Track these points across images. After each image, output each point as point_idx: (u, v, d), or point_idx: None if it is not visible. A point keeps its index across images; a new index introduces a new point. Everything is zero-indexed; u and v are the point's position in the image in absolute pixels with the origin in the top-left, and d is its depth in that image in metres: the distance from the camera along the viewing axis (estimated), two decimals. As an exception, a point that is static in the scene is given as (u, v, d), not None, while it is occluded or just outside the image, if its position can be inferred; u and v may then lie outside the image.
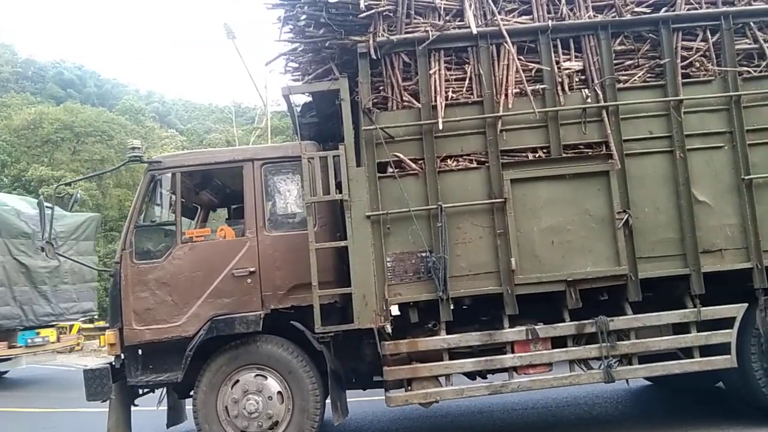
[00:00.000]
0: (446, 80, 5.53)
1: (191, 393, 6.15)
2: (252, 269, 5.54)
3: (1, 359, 11.92)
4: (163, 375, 5.56)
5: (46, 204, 5.67)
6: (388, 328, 5.31)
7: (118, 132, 48.17)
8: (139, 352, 5.59)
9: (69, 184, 5.17)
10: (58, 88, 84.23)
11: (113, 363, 5.65)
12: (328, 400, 5.64)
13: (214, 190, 6.86)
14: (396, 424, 6.86)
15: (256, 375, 5.46)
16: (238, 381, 5.46)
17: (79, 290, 13.19)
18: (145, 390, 5.99)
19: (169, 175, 5.74)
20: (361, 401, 6.93)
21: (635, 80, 5.62)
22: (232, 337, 5.50)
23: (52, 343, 12.91)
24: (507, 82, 5.49)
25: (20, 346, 11.97)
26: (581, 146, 5.53)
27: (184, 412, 6.88)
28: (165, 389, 6.25)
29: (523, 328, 5.38)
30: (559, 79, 5.54)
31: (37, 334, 12.27)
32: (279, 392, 5.41)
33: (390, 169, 5.43)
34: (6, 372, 13.13)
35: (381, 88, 5.57)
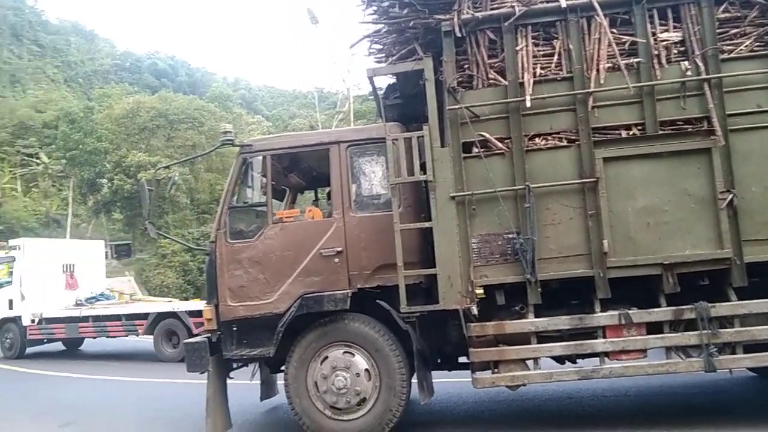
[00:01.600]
0: (534, 56, 5.37)
1: (282, 368, 6.43)
2: (339, 249, 5.65)
3: None
4: (256, 350, 5.80)
5: (147, 186, 6.01)
6: (474, 310, 5.28)
7: (208, 118, 50.40)
8: (234, 327, 5.84)
9: (168, 167, 5.51)
10: (152, 78, 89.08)
11: (210, 337, 5.94)
12: (414, 380, 5.70)
13: (302, 172, 7.05)
14: (481, 406, 6.84)
15: (345, 352, 5.59)
16: (327, 357, 5.61)
17: None
18: (240, 364, 6.27)
19: (260, 158, 5.93)
20: (444, 382, 6.94)
21: (741, 50, 5.23)
22: (321, 315, 5.66)
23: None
24: (598, 56, 5.27)
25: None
26: (680, 122, 5.24)
27: (276, 386, 7.19)
28: (258, 364, 6.55)
29: (616, 312, 5.19)
30: (656, 52, 5.25)
31: None
32: (366, 370, 5.52)
33: (475, 149, 5.36)
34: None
35: (466, 66, 5.49)
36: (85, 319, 13.92)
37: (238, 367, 6.36)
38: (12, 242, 16.77)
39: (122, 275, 38.73)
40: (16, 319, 14.54)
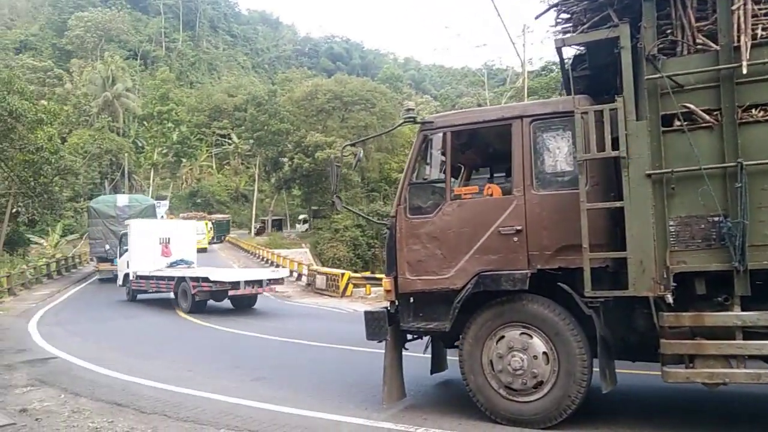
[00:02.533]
0: (753, 15, 4.70)
1: (455, 343, 6.46)
2: (519, 227, 5.50)
3: None
4: (432, 323, 5.89)
5: (335, 163, 6.33)
6: (669, 299, 4.83)
7: (379, 99, 52.09)
8: (411, 300, 5.99)
9: (354, 144, 5.76)
10: (329, 61, 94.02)
11: (388, 308, 6.14)
12: (595, 367, 5.41)
13: (479, 149, 6.95)
14: (668, 402, 6.31)
15: (522, 333, 5.46)
16: (503, 337, 5.53)
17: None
18: (415, 336, 6.42)
19: (440, 134, 5.95)
20: (627, 373, 6.51)
21: None
22: (497, 293, 5.57)
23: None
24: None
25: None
26: None
27: (446, 361, 7.26)
28: (430, 338, 6.66)
29: None
30: None
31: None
32: (544, 352, 5.35)
33: (677, 122, 4.86)
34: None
35: (669, 31, 4.98)
36: (151, 278, 18.79)
37: (413, 339, 6.52)
38: (127, 222, 23.39)
39: (300, 247, 41.82)
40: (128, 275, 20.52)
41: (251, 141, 56.62)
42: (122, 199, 29.01)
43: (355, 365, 8.88)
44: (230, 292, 16.15)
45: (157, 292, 19.02)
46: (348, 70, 77.81)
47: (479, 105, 39.51)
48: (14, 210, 25.06)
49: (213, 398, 6.97)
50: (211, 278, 16.10)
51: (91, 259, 31.22)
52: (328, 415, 6.11)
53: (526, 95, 21.42)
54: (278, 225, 54.03)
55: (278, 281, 17.64)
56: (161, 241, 20.96)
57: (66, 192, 30.30)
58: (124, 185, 54.46)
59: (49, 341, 11.87)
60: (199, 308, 16.46)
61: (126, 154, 56.75)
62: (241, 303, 17.10)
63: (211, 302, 17.19)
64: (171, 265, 19.93)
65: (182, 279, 17.24)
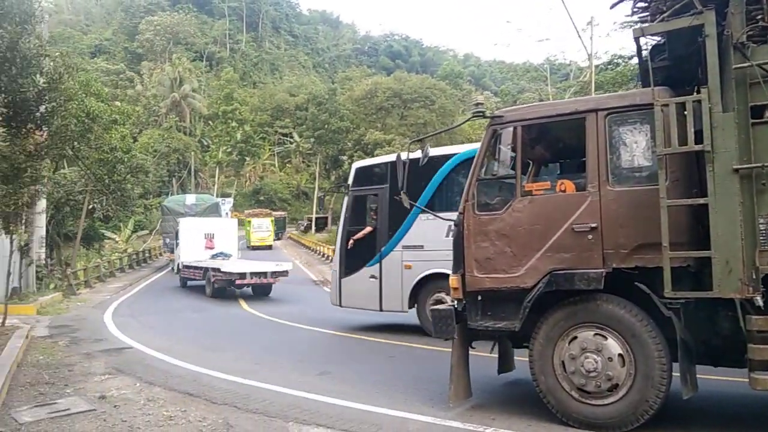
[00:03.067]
0: None
1: (523, 343, 6.32)
2: (593, 225, 5.31)
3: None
4: (501, 322, 5.77)
5: (402, 159, 6.28)
6: (759, 301, 4.56)
7: (439, 96, 51.87)
8: (479, 298, 5.89)
9: (421, 140, 5.72)
10: (388, 59, 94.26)
11: (456, 306, 6.06)
12: (675, 372, 5.17)
13: (548, 144, 6.77)
14: (753, 410, 5.98)
15: (596, 334, 5.28)
16: (576, 338, 5.36)
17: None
18: (482, 334, 6.32)
19: (511, 129, 5.82)
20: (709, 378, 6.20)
21: None
22: (570, 293, 5.41)
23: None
24: None
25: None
26: None
27: (513, 361, 7.11)
28: (497, 337, 6.54)
29: None
30: None
31: None
32: (620, 355, 5.15)
33: (768, 114, 4.57)
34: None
35: (759, 17, 4.69)
36: (191, 267, 21.76)
37: (480, 338, 6.42)
38: (179, 219, 27.77)
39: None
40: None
41: (312, 139, 57.49)
42: (190, 198, 33.97)
43: (420, 362, 8.85)
44: (237, 281, 18.58)
45: (195, 279, 21.65)
46: (407, 68, 77.72)
47: (541, 100, 38.69)
48: (90, 206, 26.31)
49: (280, 391, 7.08)
50: (222, 269, 19.00)
51: (163, 252, 35.59)
52: (395, 411, 6.09)
53: (593, 89, 20.78)
54: (323, 223, 54.04)
55: (282, 274, 19.43)
56: (206, 236, 24.79)
57: (137, 189, 31.57)
58: (190, 183, 56.41)
59: (123, 331, 12.38)
60: (219, 293, 19.18)
61: (192, 153, 58.72)
62: (256, 290, 19.68)
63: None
64: (213, 257, 22.63)
65: (206, 269, 20.25)
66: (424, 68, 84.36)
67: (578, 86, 31.85)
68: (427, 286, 10.61)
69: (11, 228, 13.47)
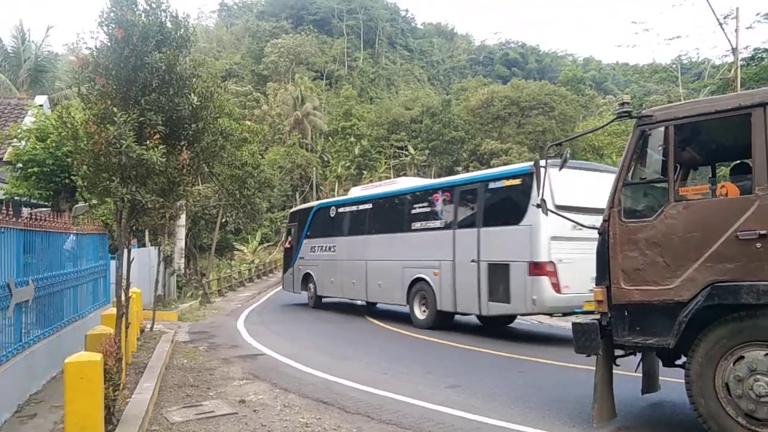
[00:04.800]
0: None
1: (675, 361, 5.81)
2: (762, 232, 4.76)
3: None
4: (652, 338, 5.33)
5: (540, 165, 6.02)
6: None
7: (559, 103, 50.23)
8: (626, 312, 5.48)
9: (560, 144, 5.47)
10: (504, 68, 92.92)
11: (601, 320, 5.68)
12: None
13: (700, 145, 6.23)
14: None
15: (767, 354, 4.72)
16: (742, 357, 4.82)
17: None
18: (628, 351, 5.88)
19: (662, 129, 5.39)
20: None
21: None
22: (734, 307, 4.88)
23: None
24: None
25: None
26: None
27: (658, 381, 6.60)
28: (642, 354, 6.07)
29: None
30: None
31: None
32: (798, 378, 4.56)
33: None
34: None
35: None
36: None
37: (625, 355, 5.99)
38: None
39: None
40: None
41: (427, 151, 57.74)
42: None
43: (552, 379, 8.44)
44: None
45: None
46: (524, 75, 76.19)
47: (670, 102, 36.15)
48: (223, 220, 28.10)
49: (411, 402, 7.02)
50: None
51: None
52: (534, 429, 5.82)
53: (738, 86, 19.02)
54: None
55: None
56: None
57: (264, 203, 33.26)
58: (312, 197, 58.59)
59: (255, 338, 12.98)
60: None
61: (314, 168, 61.03)
62: None
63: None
64: None
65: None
66: (541, 75, 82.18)
67: (716, 84, 29.34)
68: (306, 279, 19.95)
69: (158, 239, 14.67)
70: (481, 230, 12.20)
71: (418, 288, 14.14)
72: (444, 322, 13.62)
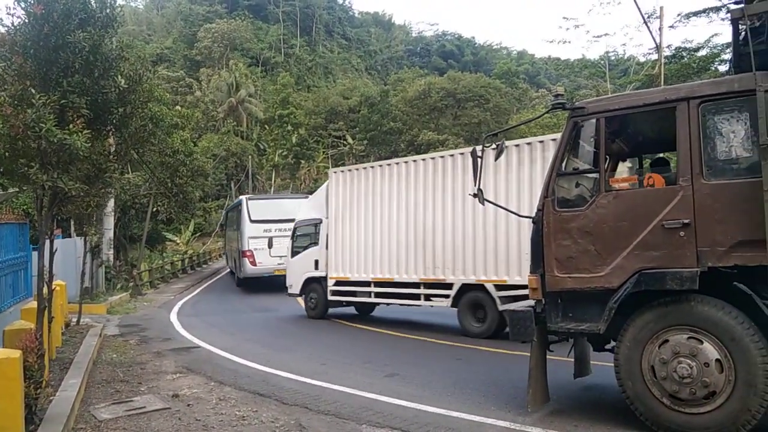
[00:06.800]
0: None
1: (605, 346, 6.02)
2: (686, 221, 4.98)
3: None
4: (584, 324, 5.50)
5: (477, 155, 6.08)
6: None
7: (494, 95, 51.15)
8: (560, 299, 5.63)
9: (495, 134, 5.51)
10: (440, 60, 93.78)
11: (535, 307, 5.82)
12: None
13: (628, 137, 6.46)
14: None
15: (689, 337, 4.94)
16: (666, 341, 5.04)
17: None
18: (561, 337, 6.05)
19: (593, 120, 5.54)
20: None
21: None
22: (659, 293, 5.09)
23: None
24: None
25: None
26: None
27: (590, 365, 6.82)
28: (574, 340, 6.26)
29: None
30: None
31: None
32: (717, 360, 4.80)
33: None
34: None
35: None
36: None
37: (559, 341, 6.17)
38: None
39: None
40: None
41: (365, 141, 57.67)
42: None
43: (488, 365, 8.62)
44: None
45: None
46: (460, 68, 77.01)
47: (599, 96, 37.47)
48: (154, 209, 27.13)
49: (350, 392, 7.00)
50: None
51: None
52: (470, 416, 5.90)
53: (662, 82, 19.94)
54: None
55: None
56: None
57: (197, 192, 32.34)
58: (248, 186, 57.48)
59: (189, 331, 12.64)
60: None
61: (249, 157, 59.82)
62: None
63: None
64: None
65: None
66: (477, 67, 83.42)
67: (641, 80, 30.71)
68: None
69: (84, 229, 13.99)
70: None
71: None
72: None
